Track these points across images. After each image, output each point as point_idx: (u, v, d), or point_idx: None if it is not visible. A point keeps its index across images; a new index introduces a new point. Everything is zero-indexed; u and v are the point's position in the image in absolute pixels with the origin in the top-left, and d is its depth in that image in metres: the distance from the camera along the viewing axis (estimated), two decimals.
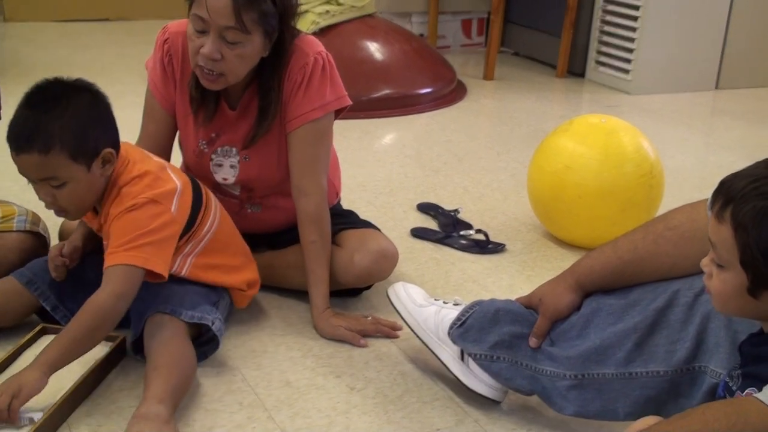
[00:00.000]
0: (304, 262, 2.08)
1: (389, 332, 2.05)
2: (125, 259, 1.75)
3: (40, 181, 1.75)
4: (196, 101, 2.06)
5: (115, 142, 1.81)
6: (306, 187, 2.08)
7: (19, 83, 3.82)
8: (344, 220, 2.24)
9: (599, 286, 1.68)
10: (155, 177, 1.84)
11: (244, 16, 1.86)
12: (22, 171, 1.76)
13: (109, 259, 1.77)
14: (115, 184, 1.82)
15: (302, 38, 2.06)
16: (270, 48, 1.97)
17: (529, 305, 1.76)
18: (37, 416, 1.64)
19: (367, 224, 2.27)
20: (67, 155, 1.72)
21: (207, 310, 1.89)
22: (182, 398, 1.75)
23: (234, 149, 2.11)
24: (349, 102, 2.13)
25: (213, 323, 1.88)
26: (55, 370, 1.67)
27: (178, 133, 2.19)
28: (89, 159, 1.75)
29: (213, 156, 2.12)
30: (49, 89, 1.75)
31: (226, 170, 2.12)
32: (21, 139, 1.71)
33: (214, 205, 2.00)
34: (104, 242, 1.85)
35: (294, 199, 2.10)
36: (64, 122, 1.71)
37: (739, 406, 1.24)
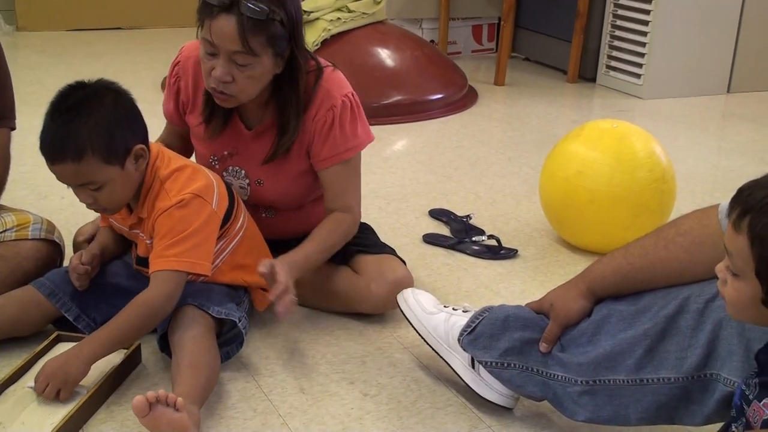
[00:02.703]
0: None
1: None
2: (175, 265, 1.81)
3: (79, 186, 1.79)
4: (206, 115, 2.08)
5: (144, 137, 1.85)
6: (336, 210, 2.12)
7: (32, 92, 3.87)
8: (361, 242, 2.24)
9: (610, 292, 1.68)
10: (193, 170, 1.91)
11: (251, 40, 1.86)
12: (59, 179, 1.80)
13: (158, 264, 1.82)
14: (156, 178, 1.86)
15: (329, 78, 2.07)
16: (283, 65, 1.98)
17: (540, 310, 1.76)
18: (82, 391, 1.74)
19: (383, 247, 2.27)
20: (100, 159, 1.75)
21: (233, 308, 1.92)
22: (207, 398, 1.77)
23: (244, 171, 2.12)
24: (373, 137, 2.18)
25: (239, 320, 1.91)
26: (96, 361, 1.76)
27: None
28: (122, 158, 1.79)
29: (224, 173, 2.13)
30: (72, 96, 1.78)
31: (236, 190, 2.12)
32: (53, 150, 1.75)
33: (242, 204, 2.04)
34: (139, 235, 1.91)
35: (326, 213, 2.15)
36: (91, 128, 1.74)
37: None
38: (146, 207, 1.87)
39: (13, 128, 2.15)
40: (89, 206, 1.85)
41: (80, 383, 1.75)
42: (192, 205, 1.84)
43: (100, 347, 1.76)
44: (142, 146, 1.83)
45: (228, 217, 1.94)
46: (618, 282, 1.66)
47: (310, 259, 2.04)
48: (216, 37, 1.87)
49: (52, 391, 1.71)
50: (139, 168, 1.83)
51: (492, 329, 1.77)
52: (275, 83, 2.01)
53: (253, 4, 1.84)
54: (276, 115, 2.05)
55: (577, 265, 2.54)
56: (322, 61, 2.10)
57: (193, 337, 1.80)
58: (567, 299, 1.70)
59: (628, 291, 1.66)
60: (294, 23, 1.94)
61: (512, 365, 1.74)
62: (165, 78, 2.19)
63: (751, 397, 1.33)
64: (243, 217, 2.02)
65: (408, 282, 2.13)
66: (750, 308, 1.30)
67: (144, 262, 1.93)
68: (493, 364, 1.76)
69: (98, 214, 2.05)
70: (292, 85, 2.01)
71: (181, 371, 1.74)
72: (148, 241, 1.90)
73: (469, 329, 1.80)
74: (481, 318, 1.79)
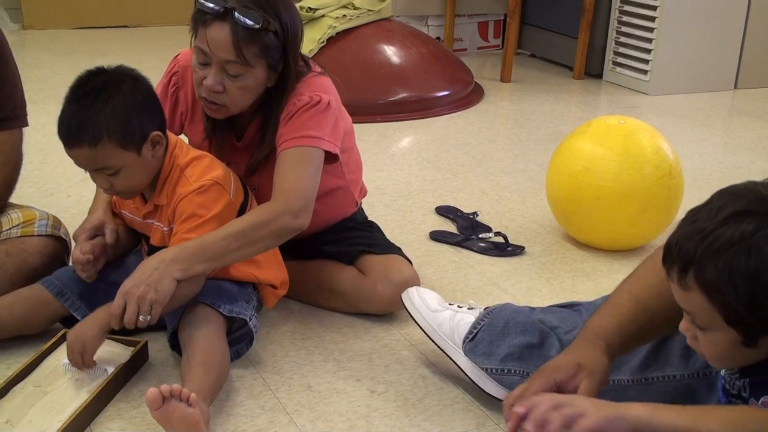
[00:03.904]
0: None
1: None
2: None
3: (95, 171, 1.81)
4: (208, 131, 2.07)
5: (161, 124, 1.86)
6: (274, 194, 1.94)
7: (38, 90, 3.87)
8: (366, 241, 2.23)
9: (632, 344, 1.51)
10: (212, 159, 1.93)
11: (245, 50, 1.85)
12: (76, 163, 1.81)
13: (181, 239, 1.83)
14: (175, 166, 1.88)
15: (306, 81, 2.00)
16: (276, 78, 1.96)
17: (560, 379, 1.42)
18: (110, 369, 1.79)
19: (389, 247, 2.25)
20: (116, 144, 1.76)
21: (243, 306, 1.92)
22: (217, 396, 1.77)
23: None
24: (338, 153, 2.02)
25: (250, 319, 1.91)
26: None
27: None
28: (138, 144, 1.80)
29: None
30: (91, 81, 1.80)
31: None
32: (70, 135, 1.76)
33: (255, 201, 2.04)
34: (153, 225, 1.92)
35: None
36: (108, 113, 1.75)
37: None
38: (165, 194, 1.88)
39: (26, 125, 2.16)
40: (106, 191, 1.87)
41: (113, 362, 1.82)
42: (211, 192, 1.86)
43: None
44: (159, 133, 1.84)
45: (243, 209, 1.95)
46: (636, 330, 1.47)
47: (207, 247, 1.80)
48: (209, 46, 1.86)
49: (78, 361, 1.76)
50: (156, 154, 1.84)
51: (492, 335, 1.78)
52: (266, 96, 1.99)
53: (247, 13, 1.84)
54: (260, 127, 2.04)
55: (584, 261, 2.54)
56: (316, 68, 2.06)
57: (205, 335, 1.80)
58: (596, 356, 1.45)
59: (645, 337, 1.51)
60: (288, 35, 1.92)
61: (513, 371, 1.74)
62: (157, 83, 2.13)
63: (745, 395, 1.31)
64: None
65: (414, 282, 2.12)
66: (734, 354, 1.24)
67: (157, 251, 1.93)
68: (494, 370, 1.76)
69: (94, 214, 2.02)
70: (280, 100, 1.99)
71: (192, 368, 1.74)
72: (165, 229, 1.91)
73: (471, 336, 1.80)
74: (481, 324, 1.80)
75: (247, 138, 2.07)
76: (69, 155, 1.80)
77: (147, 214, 1.94)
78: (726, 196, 1.22)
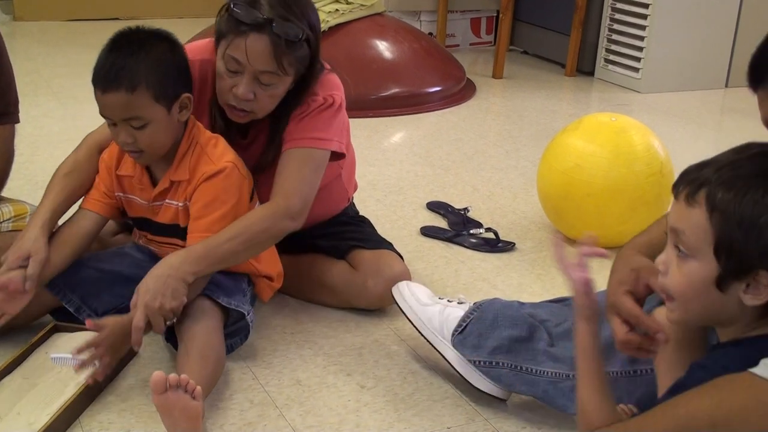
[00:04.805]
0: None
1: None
2: None
3: (123, 121, 1.81)
4: (221, 130, 2.02)
5: (191, 90, 1.89)
6: (275, 196, 1.94)
7: (29, 82, 3.86)
8: (358, 236, 2.24)
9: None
10: (225, 142, 1.94)
11: (284, 60, 1.85)
12: (106, 111, 1.81)
13: (202, 238, 1.84)
14: (194, 143, 1.89)
15: (319, 79, 2.00)
16: (294, 82, 1.96)
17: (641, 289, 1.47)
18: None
19: (380, 242, 2.25)
20: (151, 95, 1.78)
21: (241, 299, 1.92)
22: (211, 391, 1.77)
23: None
24: (344, 153, 2.06)
25: (248, 313, 1.91)
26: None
27: None
28: (170, 101, 1.82)
29: None
30: (132, 35, 1.83)
31: None
32: (108, 79, 1.78)
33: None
34: (164, 204, 1.91)
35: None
36: (149, 64, 1.79)
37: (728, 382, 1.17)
38: (185, 169, 1.88)
39: (17, 122, 2.15)
40: (126, 146, 1.83)
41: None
42: (233, 176, 1.88)
43: None
44: (189, 95, 1.86)
45: (251, 196, 1.97)
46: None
47: (213, 250, 1.82)
48: (249, 56, 1.84)
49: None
50: (181, 118, 1.86)
51: (481, 328, 1.78)
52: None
53: (287, 26, 1.83)
54: (270, 126, 2.02)
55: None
56: (325, 64, 2.07)
57: (205, 328, 1.81)
58: (638, 258, 1.51)
59: None
60: (317, 41, 1.94)
61: (501, 364, 1.75)
62: None
63: None
64: (258, 203, 2.02)
65: (405, 277, 2.12)
66: (700, 295, 1.22)
67: (167, 230, 1.94)
68: (483, 363, 1.77)
69: (26, 236, 1.87)
70: (298, 101, 1.99)
71: (191, 360, 1.74)
72: (180, 205, 1.90)
73: (460, 329, 1.81)
74: (470, 318, 1.81)
75: (252, 135, 2.07)
76: (100, 101, 1.80)
77: (158, 195, 1.91)
78: (752, 143, 1.25)
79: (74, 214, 1.96)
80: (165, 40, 1.86)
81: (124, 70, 1.77)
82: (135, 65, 1.77)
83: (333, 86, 2.03)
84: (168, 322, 1.76)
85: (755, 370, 1.15)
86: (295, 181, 1.94)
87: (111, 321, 1.74)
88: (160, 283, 1.74)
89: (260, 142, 2.06)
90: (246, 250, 1.88)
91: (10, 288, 1.79)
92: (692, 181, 1.22)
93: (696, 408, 1.16)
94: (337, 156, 2.05)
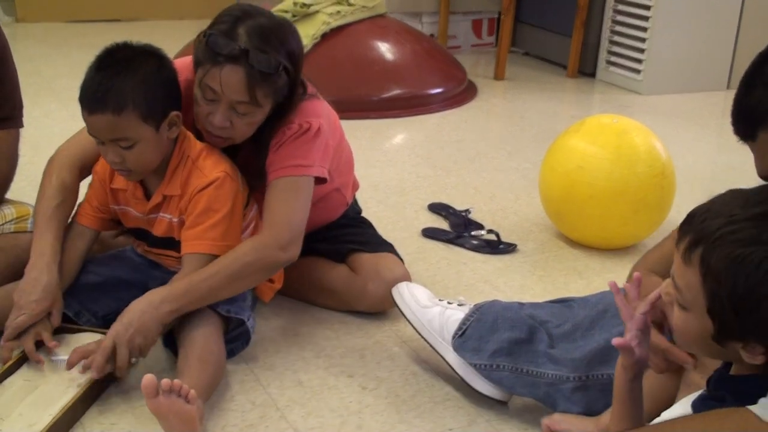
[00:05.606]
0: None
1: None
2: (213, 249, 1.85)
3: (111, 141, 1.79)
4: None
5: (180, 107, 1.87)
6: (263, 227, 1.94)
7: (31, 84, 3.86)
8: (358, 239, 2.23)
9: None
10: (218, 151, 1.92)
11: (258, 91, 1.83)
12: (94, 131, 1.80)
13: (196, 245, 1.85)
14: (185, 157, 1.88)
15: (299, 108, 1.96)
16: (273, 109, 1.93)
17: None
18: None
19: (380, 245, 2.25)
20: (139, 116, 1.76)
21: (240, 306, 1.91)
22: (211, 395, 1.77)
23: None
24: (327, 177, 2.02)
25: (248, 319, 1.91)
26: None
27: None
28: (158, 121, 1.80)
29: None
30: (119, 53, 1.81)
31: None
32: (95, 100, 1.76)
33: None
34: (158, 217, 1.90)
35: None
36: (135, 84, 1.76)
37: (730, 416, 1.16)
38: (176, 184, 1.87)
39: (21, 126, 2.15)
40: (114, 165, 1.83)
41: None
42: (225, 185, 1.87)
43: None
44: (178, 113, 1.84)
45: (246, 203, 1.96)
46: None
47: (195, 286, 1.81)
48: (224, 87, 1.82)
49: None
50: (170, 135, 1.84)
51: (481, 331, 1.78)
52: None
53: (262, 58, 1.80)
54: (253, 154, 1.99)
55: (577, 260, 2.55)
56: (310, 89, 2.02)
57: (204, 334, 1.80)
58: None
59: None
60: (297, 68, 1.90)
61: (502, 366, 1.75)
62: None
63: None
64: (255, 209, 2.02)
65: (405, 280, 2.12)
66: (698, 342, 1.20)
67: (162, 243, 1.93)
68: (483, 366, 1.77)
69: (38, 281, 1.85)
70: (279, 118, 1.95)
71: (190, 364, 1.74)
72: (175, 220, 1.89)
73: (460, 332, 1.80)
74: (470, 320, 1.81)
75: (241, 158, 2.03)
76: (88, 121, 1.79)
77: (152, 209, 1.91)
78: (764, 189, 1.18)
79: (69, 230, 1.95)
80: (153, 57, 1.83)
81: (110, 92, 1.74)
82: (121, 85, 1.75)
83: (311, 113, 1.98)
84: (132, 360, 1.75)
85: (753, 408, 1.13)
86: (281, 212, 1.92)
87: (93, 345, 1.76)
88: (135, 317, 1.74)
89: (242, 157, 2.02)
90: (229, 285, 1.84)
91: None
92: (693, 233, 1.17)
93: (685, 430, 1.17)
94: (319, 180, 2.02)
